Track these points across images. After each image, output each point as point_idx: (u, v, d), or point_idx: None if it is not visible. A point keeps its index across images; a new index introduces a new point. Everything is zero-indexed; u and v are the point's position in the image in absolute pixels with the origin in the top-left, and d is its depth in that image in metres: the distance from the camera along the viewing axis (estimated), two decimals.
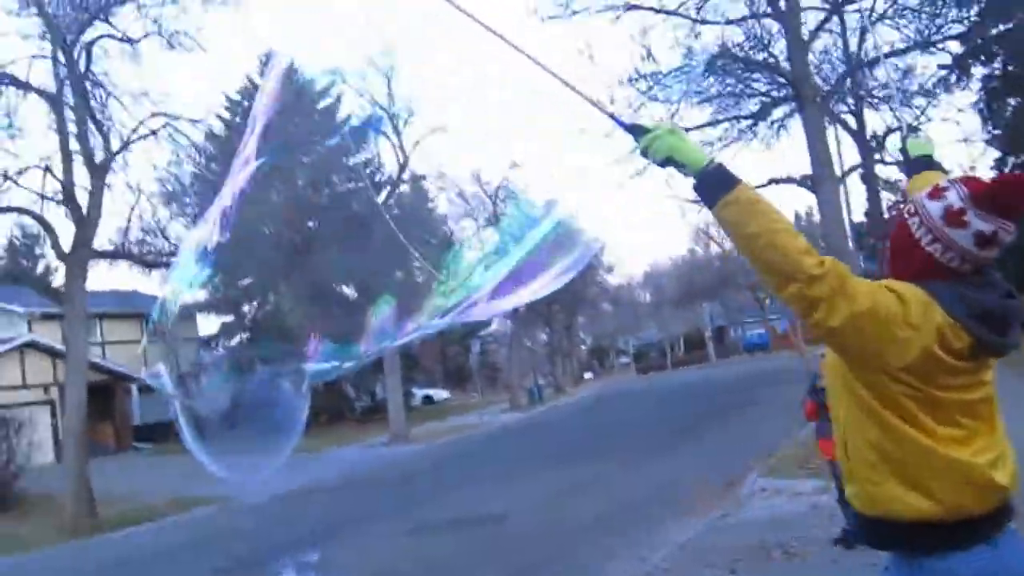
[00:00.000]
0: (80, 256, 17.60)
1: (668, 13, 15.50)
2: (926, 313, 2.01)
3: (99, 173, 17.29)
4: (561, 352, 59.82)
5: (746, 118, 17.12)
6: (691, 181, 2.12)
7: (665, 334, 66.63)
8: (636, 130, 2.22)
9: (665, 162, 2.14)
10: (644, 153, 2.19)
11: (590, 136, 19.14)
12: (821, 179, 15.23)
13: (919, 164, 3.01)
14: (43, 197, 17.52)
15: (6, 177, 16.79)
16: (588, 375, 75.01)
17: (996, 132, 24.99)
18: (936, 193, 2.12)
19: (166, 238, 19.92)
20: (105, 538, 15.31)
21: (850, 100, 18.82)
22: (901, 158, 3.60)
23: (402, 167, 30.10)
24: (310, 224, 32.68)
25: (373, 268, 28.85)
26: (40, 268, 47.80)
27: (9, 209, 17.25)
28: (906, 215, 2.20)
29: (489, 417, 35.55)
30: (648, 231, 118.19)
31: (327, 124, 34.05)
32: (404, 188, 34.22)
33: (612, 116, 2.39)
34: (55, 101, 17.18)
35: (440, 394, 57.59)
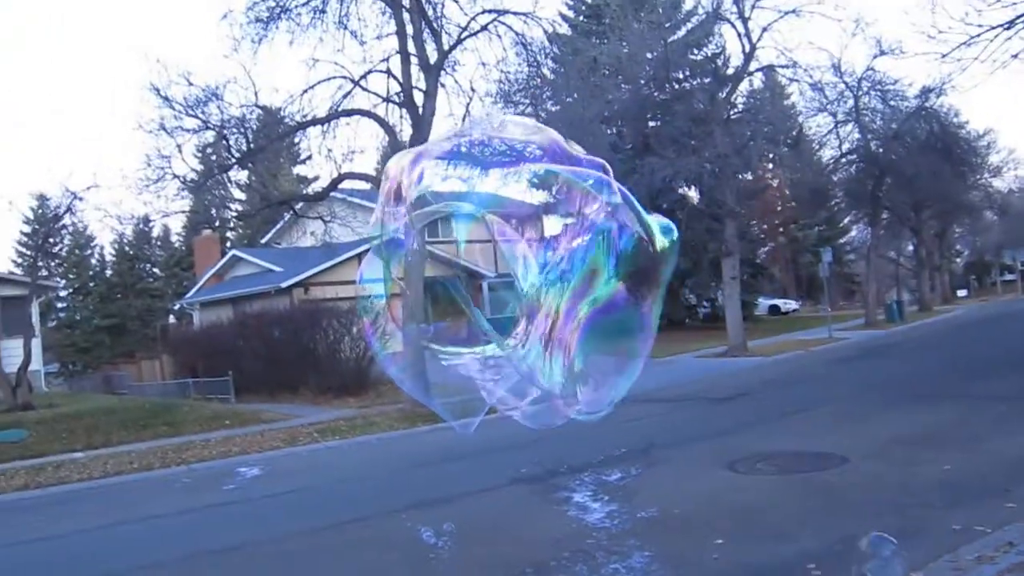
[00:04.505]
0: None
1: None
2: None
3: (433, 73, 17.40)
4: (930, 265, 53.21)
5: None
6: None
7: None
8: None
9: None
10: None
11: None
12: None
13: None
14: (386, 100, 18.07)
15: (353, 82, 17.48)
16: (962, 293, 66.82)
17: None
18: None
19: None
20: (436, 427, 15.87)
21: None
22: None
23: (748, 57, 27.39)
24: (652, 123, 31.38)
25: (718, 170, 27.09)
26: None
27: (354, 112, 17.95)
28: None
29: (839, 333, 32.49)
30: None
31: (670, 17, 32.17)
32: (755, 82, 31.49)
33: None
34: (394, 3, 17.46)
35: (789, 304, 54.52)
